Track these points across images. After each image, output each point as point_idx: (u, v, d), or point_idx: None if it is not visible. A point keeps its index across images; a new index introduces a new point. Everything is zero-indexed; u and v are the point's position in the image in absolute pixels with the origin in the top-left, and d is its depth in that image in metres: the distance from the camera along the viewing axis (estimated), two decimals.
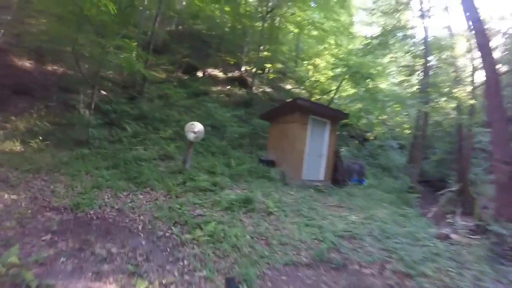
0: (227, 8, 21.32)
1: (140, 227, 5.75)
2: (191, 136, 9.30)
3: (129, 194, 7.30)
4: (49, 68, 14.77)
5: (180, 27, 25.27)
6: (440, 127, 18.08)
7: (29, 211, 5.62)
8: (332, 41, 22.81)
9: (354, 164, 13.92)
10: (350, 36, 23.16)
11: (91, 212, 6.06)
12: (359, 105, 20.34)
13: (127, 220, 6.01)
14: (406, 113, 21.18)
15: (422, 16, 16.65)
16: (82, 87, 13.25)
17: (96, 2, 9.82)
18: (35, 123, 11.22)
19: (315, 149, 11.93)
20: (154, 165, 9.94)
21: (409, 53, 18.39)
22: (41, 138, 9.95)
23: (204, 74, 21.14)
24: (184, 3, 24.41)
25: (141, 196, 7.30)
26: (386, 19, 18.87)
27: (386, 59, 22.63)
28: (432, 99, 15.16)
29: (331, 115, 12.49)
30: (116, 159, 9.63)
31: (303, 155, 11.53)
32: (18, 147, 9.45)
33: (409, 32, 17.96)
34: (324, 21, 21.05)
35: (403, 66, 19.88)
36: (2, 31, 14.04)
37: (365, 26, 22.87)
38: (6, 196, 6.13)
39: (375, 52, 18.71)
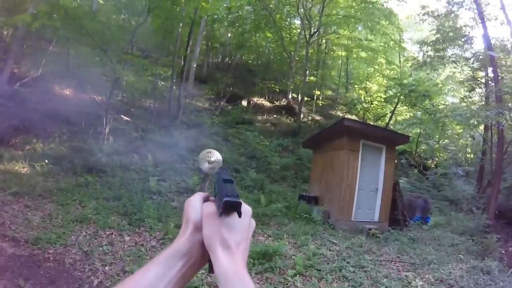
0: (269, 34, 20.92)
1: (95, 283, 4.10)
2: (205, 166, 7.57)
3: (112, 234, 5.79)
4: (88, 96, 14.51)
5: (226, 58, 25.24)
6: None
7: None
8: (383, 60, 21.57)
9: (417, 198, 11.36)
10: (402, 52, 21.55)
11: (50, 251, 4.91)
12: (417, 130, 18.85)
13: (86, 270, 4.55)
14: (470, 136, 18.54)
15: (482, 17, 14.04)
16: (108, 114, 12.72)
17: None
18: (51, 147, 10.60)
19: (369, 181, 9.69)
20: (167, 199, 8.66)
21: (470, 60, 15.87)
22: (47, 161, 9.22)
23: (249, 103, 20.33)
24: (229, 34, 24.43)
25: (126, 238, 5.73)
26: (440, 25, 16.70)
27: (443, 76, 21.03)
28: (508, 108, 12.34)
29: (387, 139, 10.30)
30: (122, 189, 8.51)
31: (354, 189, 9.35)
32: (24, 168, 8.84)
33: (468, 34, 15.50)
34: (372, 38, 19.93)
35: (463, 81, 17.44)
36: (44, 60, 14.09)
37: (415, 46, 20.99)
38: None
39: (431, 64, 16.59)
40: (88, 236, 5.54)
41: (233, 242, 0.61)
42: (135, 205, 7.38)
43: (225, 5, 20.63)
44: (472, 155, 19.88)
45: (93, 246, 5.21)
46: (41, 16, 10.57)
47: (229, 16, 21.71)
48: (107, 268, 4.58)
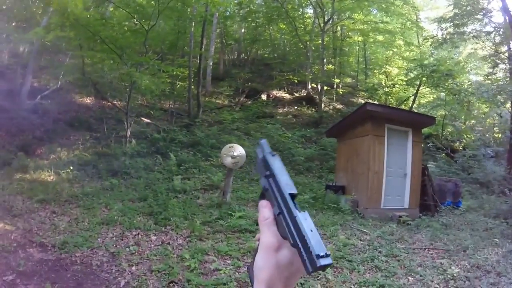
0: (282, 26, 20.64)
1: (122, 284, 4.03)
2: (228, 161, 7.51)
3: (138, 234, 5.73)
4: (108, 102, 14.74)
5: (242, 54, 25.12)
6: None
7: (14, 244, 5.04)
8: (401, 42, 20.92)
9: (447, 182, 10.84)
10: (420, 32, 20.82)
11: (77, 255, 4.90)
12: (442, 112, 17.94)
13: (113, 270, 4.50)
14: (497, 114, 17.78)
15: None
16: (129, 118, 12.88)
17: None
18: (75, 154, 10.79)
19: (396, 167, 9.25)
20: (192, 197, 8.58)
21: (492, 35, 15.18)
22: (71, 168, 9.34)
23: (268, 96, 20.11)
24: (243, 30, 24.26)
25: (153, 237, 5.66)
26: (456, 0, 16.02)
27: (464, 53, 20.30)
28: None
29: (412, 121, 9.82)
30: (147, 190, 8.51)
31: (381, 176, 8.93)
32: (51, 177, 9.03)
33: (487, 7, 14.81)
34: (388, 20, 19.29)
35: (485, 57, 16.73)
36: (62, 71, 14.40)
37: (433, 25, 20.20)
38: (1, 225, 5.69)
39: (451, 41, 15.97)
40: (114, 238, 5.52)
41: (282, 284, 0.57)
42: (160, 204, 7.37)
43: (235, 1, 20.49)
44: (500, 135, 19.02)
45: (119, 247, 5.17)
46: (54, 28, 10.71)
47: (241, 11, 21.50)
48: (133, 268, 4.51)
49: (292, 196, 0.60)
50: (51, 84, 14.91)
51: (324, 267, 0.50)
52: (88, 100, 15.61)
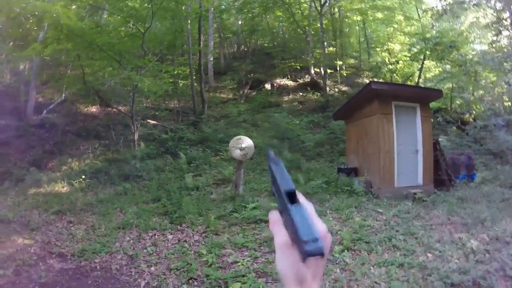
0: (279, 13, 20.32)
1: (142, 285, 4.05)
2: (237, 153, 7.48)
3: (154, 234, 5.77)
4: (113, 109, 14.82)
5: (242, 46, 24.97)
6: None
7: (34, 257, 5.10)
8: (401, 17, 20.49)
9: (459, 155, 10.63)
10: (419, 5, 20.31)
11: (96, 261, 4.95)
12: (449, 84, 17.66)
13: (133, 273, 4.52)
14: (505, 82, 17.45)
15: None
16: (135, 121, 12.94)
17: None
18: (87, 163, 10.91)
19: (407, 144, 9.05)
20: (205, 193, 8.57)
21: (492, 1, 14.86)
22: (84, 177, 9.43)
23: (272, 85, 19.95)
24: (240, 22, 24.08)
25: (169, 237, 5.67)
26: None
27: (466, 23, 19.89)
28: None
29: (419, 96, 9.57)
30: (160, 191, 8.57)
31: (392, 155, 8.75)
32: (64, 188, 9.17)
33: None
34: None
35: (488, 25, 16.39)
36: (64, 86, 14.50)
37: None
38: (20, 240, 5.77)
39: (451, 12, 15.68)
40: (131, 241, 5.55)
41: (310, 275, 0.58)
42: (174, 203, 7.39)
43: None
44: (510, 103, 18.71)
45: (137, 249, 5.19)
46: (50, 42, 10.73)
47: (236, 3, 21.33)
48: (152, 268, 4.52)
49: (290, 192, 0.60)
50: (55, 97, 15.06)
51: (314, 252, 0.50)
52: (93, 109, 15.74)
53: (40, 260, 4.99)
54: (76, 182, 9.11)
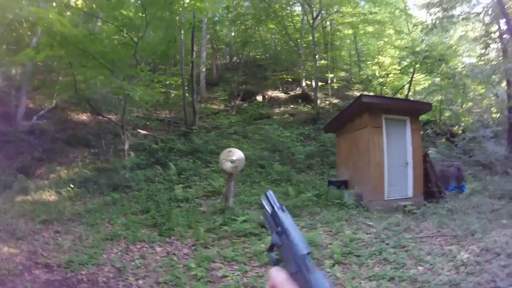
0: (272, 26, 20.63)
1: None
2: (228, 166, 7.48)
3: (143, 247, 5.71)
4: (104, 117, 14.73)
5: (234, 57, 25.13)
6: None
7: (20, 267, 4.98)
8: (391, 31, 20.95)
9: (449, 167, 10.81)
10: (409, 19, 20.86)
11: (83, 272, 4.86)
12: (438, 97, 18.01)
13: (120, 286, 4.47)
14: (493, 94, 17.79)
15: None
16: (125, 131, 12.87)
17: None
18: (75, 172, 10.78)
19: (397, 157, 9.22)
20: (195, 205, 8.57)
21: (481, 15, 15.21)
22: (72, 186, 9.35)
23: (264, 97, 20.10)
24: (233, 34, 24.27)
25: (158, 249, 5.63)
26: None
27: (455, 37, 20.44)
28: None
29: (409, 110, 9.80)
30: (149, 202, 8.49)
31: (382, 167, 8.89)
32: (52, 196, 9.03)
33: None
34: (376, 11, 19.24)
35: (477, 38, 16.78)
36: (56, 93, 14.40)
37: (422, 11, 20.21)
38: (5, 249, 5.63)
39: (441, 26, 16.03)
40: (119, 253, 5.48)
41: None
42: (163, 215, 7.34)
43: (223, 5, 20.47)
44: (498, 115, 19.03)
45: (125, 261, 5.13)
46: (43, 48, 10.69)
47: (229, 15, 21.54)
48: (140, 282, 4.48)
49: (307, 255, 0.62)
50: (46, 104, 14.92)
51: None
52: (84, 117, 15.61)
53: (26, 270, 4.89)
54: (64, 191, 9.01)
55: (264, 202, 0.77)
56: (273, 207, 0.73)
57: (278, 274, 0.63)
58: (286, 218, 0.69)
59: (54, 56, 11.31)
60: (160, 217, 7.19)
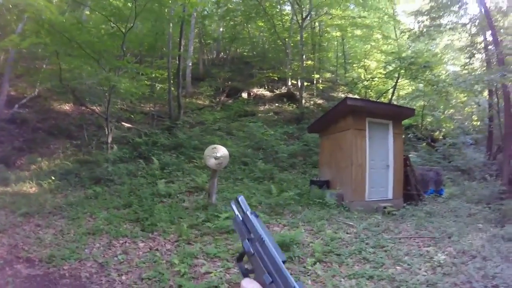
0: (261, 24, 20.67)
1: None
2: (212, 162, 7.50)
3: (125, 242, 5.69)
4: (88, 108, 14.50)
5: (221, 53, 25.04)
6: None
7: (1, 261, 4.90)
8: (379, 36, 21.19)
9: (428, 171, 11.12)
10: (397, 25, 21.07)
11: (65, 268, 4.81)
12: (421, 102, 18.49)
13: (103, 281, 4.44)
14: (475, 103, 18.30)
15: None
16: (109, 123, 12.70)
17: None
18: (57, 163, 10.58)
19: (379, 159, 9.44)
20: (177, 200, 8.54)
21: (467, 26, 15.58)
22: (53, 178, 9.20)
23: (249, 95, 20.07)
24: (221, 29, 24.17)
25: (141, 244, 5.63)
26: None
27: (441, 45, 20.80)
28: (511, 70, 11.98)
29: (392, 114, 10.04)
30: (132, 196, 8.44)
31: (364, 169, 9.10)
32: (33, 188, 8.86)
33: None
34: (365, 15, 19.50)
35: (462, 48, 17.18)
36: (39, 79, 14.07)
37: (410, 18, 20.60)
38: None
39: (428, 34, 16.35)
40: (102, 248, 5.45)
41: None
42: (146, 210, 7.31)
43: (213, 0, 20.38)
44: (479, 122, 19.47)
45: (107, 257, 5.11)
46: (29, 35, 10.46)
47: (219, 10, 21.43)
48: (123, 277, 4.48)
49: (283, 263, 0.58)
50: (28, 92, 14.56)
51: None
52: (67, 107, 15.28)
53: (7, 265, 4.82)
54: (45, 183, 8.86)
55: (235, 207, 0.74)
56: (244, 213, 0.70)
57: (250, 286, 0.59)
58: (259, 224, 0.66)
59: (40, 44, 11.11)
60: (142, 212, 7.16)
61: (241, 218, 0.71)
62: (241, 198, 0.73)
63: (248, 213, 0.69)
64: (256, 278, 0.60)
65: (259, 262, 0.60)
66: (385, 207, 8.48)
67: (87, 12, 15.41)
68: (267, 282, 0.57)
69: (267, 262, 0.59)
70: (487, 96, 15.73)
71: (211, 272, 4.57)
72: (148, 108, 16.32)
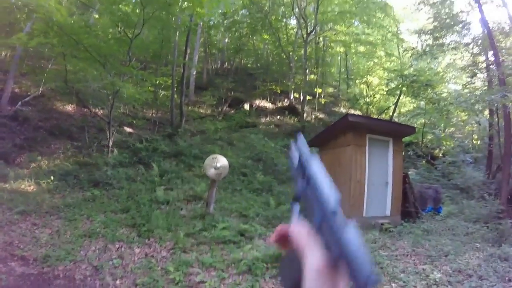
0: (266, 37, 21.05)
1: None
2: (211, 172, 7.54)
3: (121, 247, 5.67)
4: (90, 111, 14.55)
5: (226, 64, 25.26)
6: None
7: None
8: (382, 53, 21.61)
9: (427, 189, 11.11)
10: (400, 43, 21.40)
11: (60, 268, 4.80)
12: (422, 120, 18.70)
13: (97, 285, 4.45)
14: (475, 122, 18.40)
15: (478, 1, 13.72)
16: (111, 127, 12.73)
17: None
18: (56, 164, 10.59)
19: (378, 176, 9.46)
20: (175, 208, 8.50)
21: (470, 46, 15.72)
22: (52, 178, 9.19)
23: (251, 106, 20.24)
24: (227, 40, 24.44)
25: (136, 250, 5.62)
26: (436, 13, 16.55)
27: (443, 64, 21.18)
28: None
29: (393, 131, 10.12)
30: (130, 201, 8.43)
31: (363, 185, 9.10)
32: (31, 186, 8.82)
33: (465, 19, 15.30)
34: (369, 32, 20.05)
35: (464, 67, 17.33)
36: (44, 78, 14.15)
37: (413, 36, 20.89)
38: None
39: (430, 53, 16.52)
40: (97, 251, 5.45)
41: None
42: (143, 216, 7.30)
43: (220, 11, 20.63)
44: (479, 141, 19.61)
45: (102, 260, 5.11)
46: (37, 35, 10.57)
47: (225, 21, 21.73)
48: (118, 282, 4.48)
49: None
50: (32, 90, 14.64)
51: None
52: (69, 108, 15.34)
53: (1, 262, 4.81)
54: (44, 182, 8.84)
55: (294, 147, 0.68)
56: (301, 152, 0.64)
57: (297, 227, 0.55)
58: (318, 165, 0.60)
59: (47, 44, 11.22)
60: (140, 218, 7.15)
61: (302, 157, 0.64)
62: (301, 137, 0.68)
63: (305, 152, 0.64)
64: (307, 220, 0.56)
65: (310, 205, 0.56)
66: (382, 224, 8.48)
67: (96, 16, 15.58)
68: (317, 222, 0.53)
69: (316, 206, 0.54)
70: (488, 116, 15.83)
71: (205, 282, 4.57)
72: (150, 114, 16.38)
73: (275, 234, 0.59)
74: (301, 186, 0.60)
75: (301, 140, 0.67)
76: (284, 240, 0.58)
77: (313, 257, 0.50)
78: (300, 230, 0.54)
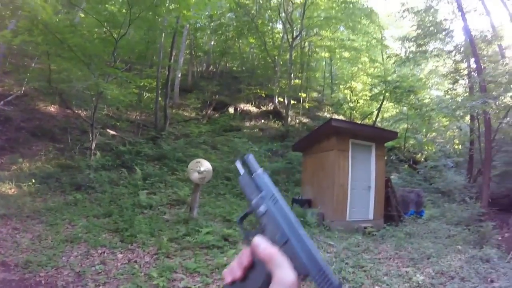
0: (252, 40, 21.19)
1: None
2: (195, 176, 7.53)
3: (104, 252, 5.62)
4: (73, 111, 14.33)
5: (211, 66, 25.26)
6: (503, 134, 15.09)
7: None
8: (366, 59, 21.94)
9: (409, 193, 11.34)
10: (384, 49, 21.74)
11: (41, 274, 4.71)
12: (404, 125, 19.17)
13: None
14: (457, 127, 18.87)
15: (461, 10, 14.12)
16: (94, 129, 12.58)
17: None
18: (38, 166, 10.41)
19: (360, 180, 9.63)
20: (158, 212, 8.48)
21: (452, 53, 16.12)
22: (34, 181, 9.05)
23: (236, 110, 20.29)
24: (213, 42, 24.44)
25: (119, 256, 5.57)
26: (420, 20, 16.93)
27: (426, 70, 21.70)
28: (492, 97, 12.40)
29: (376, 136, 10.31)
30: (112, 205, 8.37)
31: (346, 189, 9.26)
32: (12, 189, 8.67)
33: (448, 28, 15.69)
34: (354, 38, 20.34)
35: (446, 74, 17.75)
36: (26, 77, 13.88)
37: (397, 42, 21.28)
38: None
39: (413, 60, 16.88)
40: (79, 256, 5.38)
41: None
42: (126, 220, 7.23)
43: (207, 13, 20.61)
44: (460, 146, 20.14)
45: (85, 266, 5.05)
46: (22, 32, 10.38)
47: (212, 24, 21.73)
48: None
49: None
50: (15, 89, 14.34)
51: None
52: (52, 109, 15.08)
53: None
54: (25, 185, 8.70)
55: (239, 166, 0.69)
56: (253, 172, 0.65)
57: (263, 245, 0.54)
58: (269, 181, 0.61)
59: (31, 42, 11.02)
60: (122, 223, 7.09)
61: (251, 175, 0.65)
62: (251, 157, 0.69)
63: (260, 171, 0.64)
64: (267, 238, 0.56)
65: (272, 222, 0.56)
66: (365, 228, 8.64)
67: (82, 15, 15.35)
68: (281, 242, 0.54)
69: (280, 222, 0.55)
70: (469, 121, 16.23)
71: (189, 287, 4.58)
72: (134, 117, 16.24)
73: (241, 267, 0.57)
74: (258, 203, 0.60)
75: (252, 159, 0.68)
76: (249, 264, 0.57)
77: (283, 273, 0.52)
78: (266, 247, 0.54)
